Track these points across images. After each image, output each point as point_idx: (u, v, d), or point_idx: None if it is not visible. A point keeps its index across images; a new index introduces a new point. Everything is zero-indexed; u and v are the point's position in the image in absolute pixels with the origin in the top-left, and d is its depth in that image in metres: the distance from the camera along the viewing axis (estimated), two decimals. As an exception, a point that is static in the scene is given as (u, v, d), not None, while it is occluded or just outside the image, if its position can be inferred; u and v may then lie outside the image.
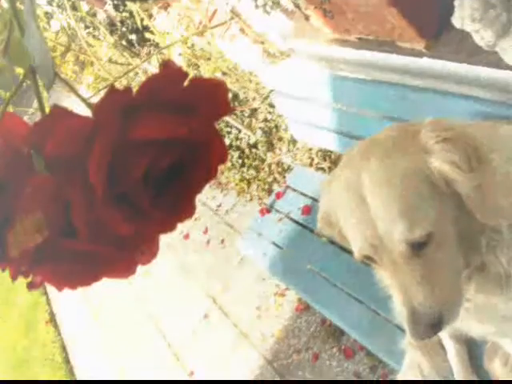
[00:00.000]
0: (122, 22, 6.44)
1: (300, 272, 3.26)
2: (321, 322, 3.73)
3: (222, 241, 5.18)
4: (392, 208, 1.42)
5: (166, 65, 0.52)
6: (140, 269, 0.57)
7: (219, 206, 5.54)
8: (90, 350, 6.40)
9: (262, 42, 3.90)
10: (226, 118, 4.86)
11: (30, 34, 0.58)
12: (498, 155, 1.51)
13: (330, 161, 4.11)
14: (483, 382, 2.18)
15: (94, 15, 6.34)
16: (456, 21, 2.03)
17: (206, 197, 5.71)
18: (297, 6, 2.83)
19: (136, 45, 6.57)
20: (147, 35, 5.46)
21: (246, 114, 5.11)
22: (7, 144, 0.51)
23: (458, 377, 2.21)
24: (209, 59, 4.80)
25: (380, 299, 1.88)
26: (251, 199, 5.10)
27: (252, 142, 5.02)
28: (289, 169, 4.56)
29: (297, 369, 3.74)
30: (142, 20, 4.67)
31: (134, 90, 0.52)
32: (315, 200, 3.44)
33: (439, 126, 1.48)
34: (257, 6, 2.93)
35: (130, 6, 5.19)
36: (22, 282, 0.55)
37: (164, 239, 0.57)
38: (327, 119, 3.19)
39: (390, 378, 3.04)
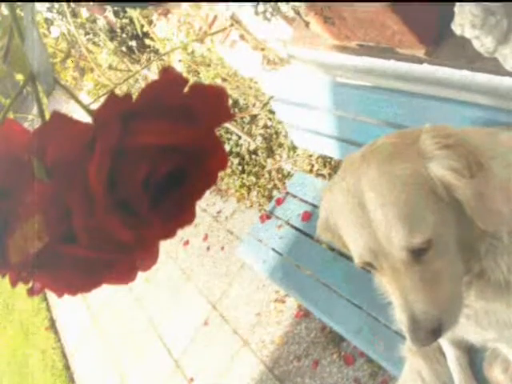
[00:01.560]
0: (121, 28, 6.46)
1: (300, 278, 3.26)
2: (321, 329, 3.73)
3: (222, 247, 5.18)
4: (392, 214, 1.42)
5: (166, 71, 0.52)
6: (140, 275, 0.57)
7: (219, 212, 5.54)
8: (91, 356, 6.39)
9: (262, 49, 3.91)
10: (226, 125, 4.86)
11: (30, 40, 0.58)
12: (499, 162, 1.51)
13: (330, 167, 4.12)
14: (483, 388, 2.18)
15: (94, 21, 6.35)
16: (456, 27, 2.03)
17: (206, 203, 5.71)
18: (297, 12, 2.83)
19: (136, 51, 6.59)
20: (147, 41, 5.47)
21: (246, 121, 5.12)
22: (7, 150, 0.51)
23: (458, 383, 2.20)
24: (209, 65, 4.81)
25: (380, 305, 1.88)
26: (251, 205, 5.10)
27: (252, 148, 5.03)
28: (289, 175, 4.57)
29: (297, 375, 3.73)
30: (142, 26, 4.68)
31: (134, 96, 0.52)
32: (315, 206, 3.44)
33: (439, 133, 1.48)
34: (257, 13, 2.93)
35: (130, 12, 5.21)
36: (22, 288, 0.55)
37: (164, 245, 0.57)
38: (327, 126, 3.19)
39: (390, 384, 3.04)
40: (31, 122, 6.30)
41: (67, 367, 6.72)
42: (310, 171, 4.25)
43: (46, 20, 5.62)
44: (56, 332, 7.49)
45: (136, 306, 5.94)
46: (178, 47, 4.58)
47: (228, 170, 5.18)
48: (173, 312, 5.35)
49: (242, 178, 5.10)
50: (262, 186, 4.92)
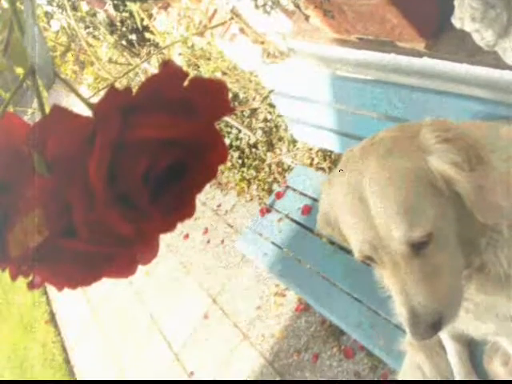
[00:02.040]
0: (121, 21, 6.45)
1: (300, 272, 3.26)
2: (321, 322, 3.73)
3: (222, 241, 5.18)
4: (392, 208, 1.42)
5: (166, 65, 0.52)
6: (140, 268, 0.57)
7: (219, 205, 5.54)
8: (90, 350, 6.39)
9: (262, 42, 3.90)
10: (226, 118, 4.86)
11: (30, 33, 0.58)
12: (498, 155, 1.51)
13: (330, 161, 4.11)
14: (483, 381, 2.18)
15: (94, 15, 6.33)
16: (456, 21, 2.02)
17: (206, 197, 5.71)
18: (297, 5, 2.83)
19: (136, 45, 6.58)
20: (147, 35, 5.46)
21: (246, 114, 5.11)
22: (7, 144, 0.51)
23: (458, 377, 2.21)
24: (209, 59, 4.80)
25: (380, 299, 1.88)
26: (251, 199, 5.10)
27: (252, 141, 5.02)
28: (289, 169, 4.56)
29: (297, 369, 3.74)
30: (142, 20, 4.67)
31: (134, 89, 0.52)
32: (315, 200, 3.44)
33: (439, 127, 1.48)
34: (257, 6, 2.93)
35: (130, 5, 5.19)
36: (22, 281, 0.55)
37: (164, 239, 0.57)
38: (327, 119, 3.19)
39: (390, 378, 3.04)
40: (31, 115, 6.29)
41: (67, 361, 6.72)
42: (310, 165, 4.24)
43: (46, 13, 5.61)
44: (56, 326, 7.49)
45: (136, 299, 5.94)
46: (178, 41, 4.57)
47: (228, 164, 5.17)
48: (173, 305, 5.35)
49: (242, 172, 5.10)
50: (262, 179, 4.91)
